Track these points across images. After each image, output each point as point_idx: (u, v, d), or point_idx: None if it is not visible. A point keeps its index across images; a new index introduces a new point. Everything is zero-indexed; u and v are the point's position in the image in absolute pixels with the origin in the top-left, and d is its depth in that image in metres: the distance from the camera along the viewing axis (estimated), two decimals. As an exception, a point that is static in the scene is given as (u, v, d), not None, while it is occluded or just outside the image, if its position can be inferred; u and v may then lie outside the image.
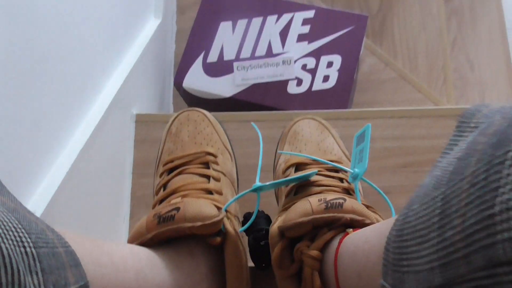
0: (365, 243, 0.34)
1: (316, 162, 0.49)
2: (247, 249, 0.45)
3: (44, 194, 0.53)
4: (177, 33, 1.05)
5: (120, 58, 0.79)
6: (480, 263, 0.20)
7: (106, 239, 0.67)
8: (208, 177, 0.46)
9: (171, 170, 0.48)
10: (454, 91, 1.23)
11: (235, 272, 0.40)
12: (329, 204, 0.39)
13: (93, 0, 0.65)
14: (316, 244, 0.38)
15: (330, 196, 0.40)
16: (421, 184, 0.28)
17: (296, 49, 0.87)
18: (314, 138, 0.54)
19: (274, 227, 0.42)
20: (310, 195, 0.44)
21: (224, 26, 0.90)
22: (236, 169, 0.54)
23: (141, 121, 0.78)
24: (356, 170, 0.45)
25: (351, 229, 0.39)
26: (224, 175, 0.48)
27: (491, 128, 0.23)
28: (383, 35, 1.24)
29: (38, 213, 0.50)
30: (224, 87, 0.87)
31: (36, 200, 0.51)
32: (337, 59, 0.86)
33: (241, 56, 0.88)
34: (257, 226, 0.46)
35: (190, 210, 0.38)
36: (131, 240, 0.40)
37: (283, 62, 0.86)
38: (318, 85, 0.85)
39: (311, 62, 0.86)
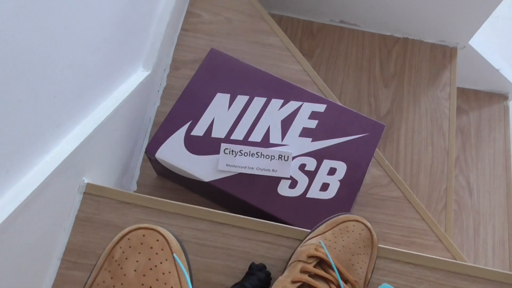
0: None
1: (333, 272, 0.51)
2: None
3: None
4: (166, 89, 0.92)
5: (89, 109, 0.64)
6: None
7: None
8: None
9: None
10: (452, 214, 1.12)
11: None
12: None
13: (69, 36, 0.51)
14: None
15: None
16: None
17: (297, 144, 0.74)
18: (353, 247, 0.54)
19: None
20: None
21: (221, 98, 0.77)
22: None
23: (91, 194, 0.62)
24: None
25: None
26: None
27: None
28: (388, 140, 1.14)
29: None
30: (204, 169, 0.72)
31: None
32: (341, 167, 0.73)
33: (232, 137, 0.74)
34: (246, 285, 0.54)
35: None
36: None
37: (280, 156, 0.72)
38: (315, 193, 0.71)
39: (311, 164, 0.73)
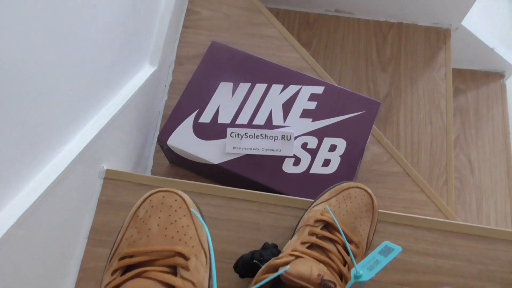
0: None
1: (339, 233, 0.55)
2: None
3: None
4: (172, 83, 0.97)
5: (101, 104, 0.69)
6: None
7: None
8: (172, 287, 0.35)
9: (127, 268, 0.37)
10: (453, 191, 1.16)
11: None
12: (323, 283, 0.46)
13: (79, 38, 0.56)
14: None
15: (327, 275, 0.47)
16: None
17: (298, 125, 0.79)
18: (356, 211, 0.58)
19: (274, 262, 0.50)
20: (318, 258, 0.51)
21: (224, 87, 0.82)
22: (211, 272, 0.43)
23: (110, 179, 0.67)
24: (361, 274, 0.49)
25: None
26: (194, 285, 0.37)
27: None
28: (388, 122, 1.18)
29: None
30: (212, 152, 0.77)
31: None
32: (341, 144, 0.77)
33: (237, 122, 0.79)
34: (261, 252, 0.57)
35: None
36: None
37: (283, 136, 0.77)
38: (317, 168, 0.76)
39: (312, 142, 0.78)
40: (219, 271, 0.61)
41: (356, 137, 0.78)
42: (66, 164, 0.57)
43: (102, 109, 0.69)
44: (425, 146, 1.16)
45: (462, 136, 1.39)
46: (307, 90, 0.82)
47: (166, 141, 0.79)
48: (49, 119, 0.54)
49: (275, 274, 0.48)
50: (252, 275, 0.54)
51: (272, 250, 0.61)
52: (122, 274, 0.36)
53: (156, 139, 0.92)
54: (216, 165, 0.77)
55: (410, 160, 1.13)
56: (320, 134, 0.78)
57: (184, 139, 0.78)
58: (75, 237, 0.61)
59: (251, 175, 0.76)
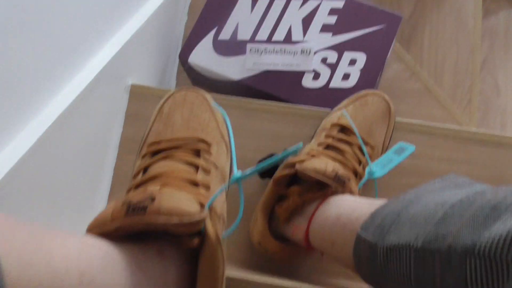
0: (339, 215, 0.44)
1: (355, 136, 0.57)
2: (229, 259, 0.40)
3: (8, 158, 0.45)
4: (191, 5, 0.97)
5: (122, 22, 0.71)
6: (458, 251, 0.29)
7: (79, 214, 0.59)
8: (196, 167, 0.38)
9: (155, 153, 0.40)
10: (477, 114, 1.15)
11: (208, 284, 0.32)
12: (338, 177, 0.49)
13: None
14: (305, 196, 0.51)
15: (341, 171, 0.51)
16: (420, 190, 0.39)
17: (318, 40, 0.79)
18: (373, 117, 0.60)
19: (292, 160, 0.53)
20: (333, 157, 0.54)
21: (243, 3, 0.82)
22: (231, 165, 0.46)
23: (136, 93, 0.70)
24: (374, 170, 0.52)
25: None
26: (216, 168, 0.40)
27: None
28: (412, 42, 1.16)
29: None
30: (233, 68, 0.79)
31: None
32: (361, 58, 0.77)
33: (257, 38, 0.80)
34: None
35: (167, 203, 0.31)
36: (91, 227, 0.33)
37: (302, 51, 0.78)
38: (337, 83, 0.77)
39: (332, 56, 0.78)
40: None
41: (376, 50, 0.77)
42: (92, 76, 0.60)
43: (124, 25, 0.71)
44: (450, 66, 1.13)
45: (490, 58, 1.35)
46: (327, 5, 0.80)
47: (187, 59, 0.80)
48: (75, 30, 0.56)
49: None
50: (271, 175, 0.57)
51: (281, 157, 0.63)
52: (151, 158, 0.39)
53: (177, 62, 0.93)
54: (237, 81, 0.79)
55: (434, 80, 1.12)
56: (340, 48, 0.78)
57: (204, 57, 0.80)
58: (107, 146, 0.66)
59: (271, 90, 0.77)
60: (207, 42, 0.81)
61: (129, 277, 0.29)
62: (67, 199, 0.57)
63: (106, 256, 0.29)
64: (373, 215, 0.38)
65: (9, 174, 0.42)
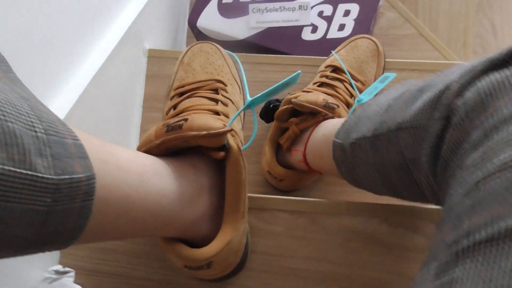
0: (325, 133, 0.52)
1: (344, 72, 0.64)
2: (249, 167, 0.51)
3: (59, 108, 0.54)
4: (195, -28, 1.03)
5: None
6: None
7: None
8: (216, 101, 0.47)
9: (181, 94, 0.49)
10: (473, 55, 1.20)
11: (234, 187, 0.41)
12: (328, 105, 0.56)
13: None
14: (301, 125, 0.58)
15: (331, 100, 0.58)
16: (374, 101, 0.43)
17: (314, -5, 0.85)
18: (362, 56, 0.68)
19: (288, 97, 0.60)
20: (325, 92, 0.61)
21: (243, -33, 0.88)
22: (244, 96, 0.54)
23: (154, 56, 0.78)
24: (362, 97, 0.59)
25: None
26: (232, 103, 0.49)
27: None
28: (406, -8, 1.20)
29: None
30: (238, 29, 0.86)
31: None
32: (354, 8, 0.84)
33: (258, -1, 0.87)
34: (277, 99, 0.66)
35: (198, 121, 0.39)
36: (139, 147, 0.41)
37: (300, 7, 0.84)
38: (333, 33, 0.84)
39: (328, 9, 0.85)
40: (249, 121, 0.73)
41: (368, 0, 0.84)
42: (117, 41, 0.68)
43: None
44: (444, 11, 1.18)
45: (485, 0, 1.39)
46: (321, -39, 0.86)
47: (196, 23, 0.88)
48: None
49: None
50: (271, 117, 0.65)
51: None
52: (178, 98, 0.48)
53: (187, 25, 1.01)
54: (242, 40, 0.86)
55: (429, 26, 1.17)
56: (334, 1, 0.85)
57: (211, 20, 0.87)
58: (131, 106, 0.75)
59: (274, 45, 0.85)
60: (212, 6, 0.88)
61: (173, 182, 0.38)
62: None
63: (155, 165, 0.37)
64: (343, 124, 0.46)
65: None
